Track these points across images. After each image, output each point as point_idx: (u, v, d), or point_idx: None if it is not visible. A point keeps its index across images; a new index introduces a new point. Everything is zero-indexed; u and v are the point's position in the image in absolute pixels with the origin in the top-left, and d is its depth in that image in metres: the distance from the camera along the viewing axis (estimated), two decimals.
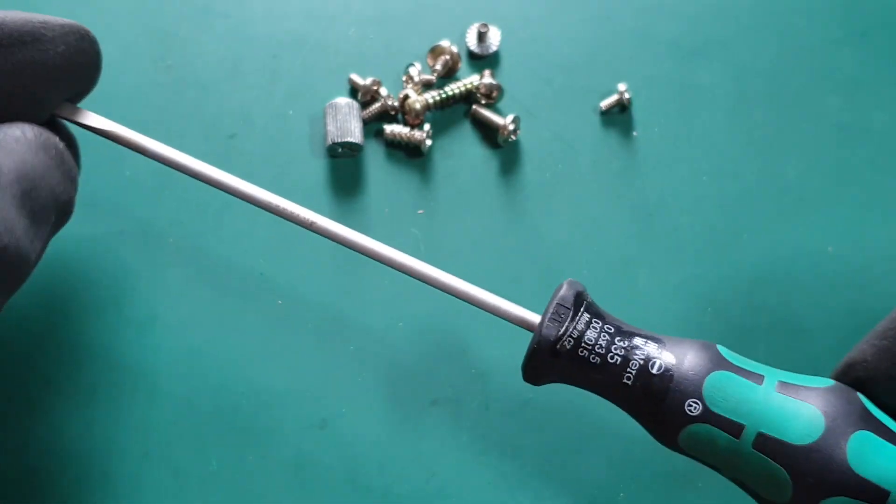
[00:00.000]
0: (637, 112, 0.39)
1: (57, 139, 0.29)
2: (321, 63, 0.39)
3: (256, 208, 0.37)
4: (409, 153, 0.38)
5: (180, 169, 0.31)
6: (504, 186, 0.38)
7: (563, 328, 0.27)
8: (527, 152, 0.38)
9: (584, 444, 0.34)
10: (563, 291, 0.28)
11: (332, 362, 0.35)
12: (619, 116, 0.39)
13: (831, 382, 0.27)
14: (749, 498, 0.33)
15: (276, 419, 0.34)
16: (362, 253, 0.30)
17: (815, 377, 0.28)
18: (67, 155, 0.30)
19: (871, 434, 0.26)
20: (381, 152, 0.38)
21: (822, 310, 0.36)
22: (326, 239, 0.31)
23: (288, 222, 0.36)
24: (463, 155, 0.38)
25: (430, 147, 0.38)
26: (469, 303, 0.30)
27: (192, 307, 0.35)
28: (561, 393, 0.34)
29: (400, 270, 0.30)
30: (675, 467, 0.34)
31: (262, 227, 0.36)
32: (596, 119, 0.39)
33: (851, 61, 0.40)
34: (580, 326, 0.28)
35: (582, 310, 0.28)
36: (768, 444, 0.26)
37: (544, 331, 0.27)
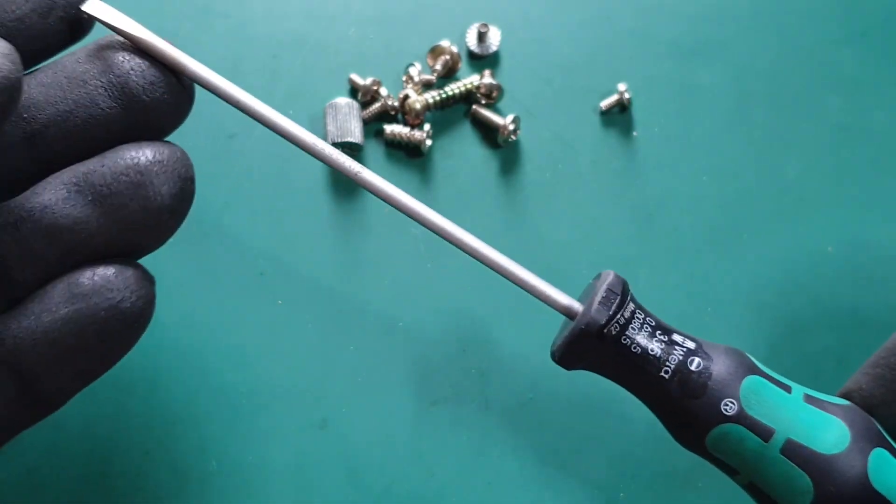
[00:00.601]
0: (637, 112, 0.39)
1: None
2: (321, 63, 0.39)
3: (256, 207, 0.37)
4: (409, 153, 0.38)
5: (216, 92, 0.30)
6: (504, 186, 0.38)
7: (611, 314, 0.27)
8: (527, 152, 0.38)
9: (584, 444, 0.34)
10: (611, 278, 0.28)
11: (332, 362, 0.35)
12: (619, 116, 0.39)
13: (848, 403, 0.28)
14: (747, 499, 0.33)
15: (277, 419, 0.34)
16: (401, 210, 0.30)
17: (836, 398, 0.28)
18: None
19: (888, 453, 0.27)
20: (381, 152, 0.38)
21: (821, 310, 0.36)
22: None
23: (289, 223, 0.37)
24: (463, 155, 0.38)
25: (430, 147, 0.38)
26: (511, 281, 0.29)
27: (192, 307, 0.35)
28: (561, 393, 0.34)
29: (440, 235, 0.30)
30: (676, 467, 0.34)
31: (262, 227, 0.36)
32: (596, 119, 0.39)
33: (851, 61, 0.40)
34: (626, 315, 0.28)
35: (629, 299, 0.28)
36: (796, 451, 0.26)
37: (594, 313, 0.27)
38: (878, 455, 0.27)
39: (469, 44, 0.39)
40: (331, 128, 0.37)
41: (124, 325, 0.27)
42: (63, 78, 0.28)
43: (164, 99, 0.29)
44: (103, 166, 0.28)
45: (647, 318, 0.28)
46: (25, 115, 0.28)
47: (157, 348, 0.34)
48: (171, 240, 0.36)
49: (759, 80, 0.40)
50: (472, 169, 0.38)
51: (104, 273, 0.27)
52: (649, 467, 0.34)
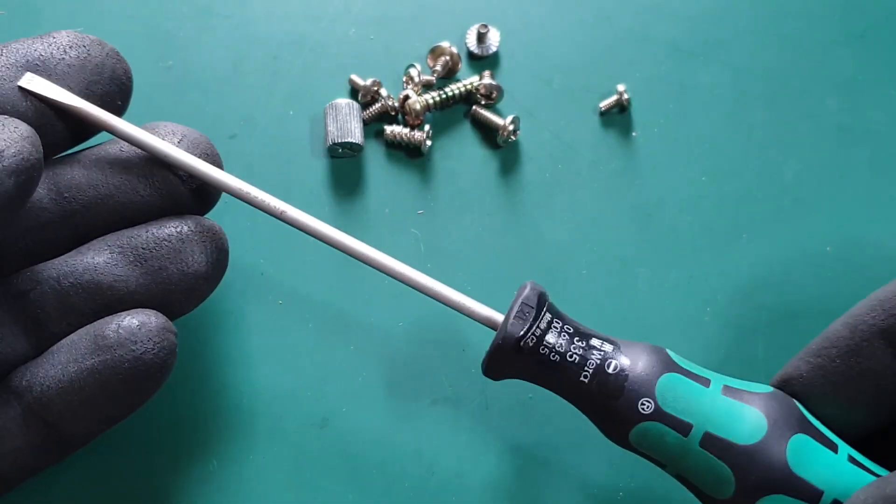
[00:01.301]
0: (636, 113, 0.39)
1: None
2: (322, 64, 0.39)
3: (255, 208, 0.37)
4: (409, 153, 0.38)
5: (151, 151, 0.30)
6: (504, 186, 0.38)
7: (527, 326, 0.29)
8: (526, 153, 0.38)
9: (583, 443, 0.34)
10: (527, 291, 0.29)
11: (332, 362, 0.35)
12: (618, 117, 0.39)
13: (771, 389, 0.29)
14: None
15: (277, 418, 0.34)
16: (331, 245, 0.31)
17: (757, 384, 0.29)
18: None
19: (809, 437, 0.28)
20: (382, 153, 0.38)
21: (820, 310, 0.36)
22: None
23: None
24: (463, 155, 0.38)
25: (430, 147, 0.38)
26: (433, 298, 0.30)
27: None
28: None
29: (363, 262, 0.31)
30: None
31: (262, 227, 0.36)
32: (595, 119, 0.39)
33: (850, 62, 0.40)
34: (542, 325, 0.29)
35: (545, 310, 0.29)
36: (714, 443, 0.27)
37: (510, 328, 0.29)
38: (798, 441, 0.28)
39: (469, 45, 0.39)
40: (331, 128, 0.37)
41: (147, 375, 0.28)
42: (105, 164, 0.30)
43: (200, 190, 0.31)
44: (147, 232, 0.30)
45: (565, 326, 0.29)
46: (66, 195, 0.30)
47: None
48: None
49: (758, 80, 0.40)
50: (472, 169, 0.38)
51: (128, 325, 0.28)
52: (649, 467, 0.34)
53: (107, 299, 0.29)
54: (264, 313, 0.35)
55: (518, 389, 0.35)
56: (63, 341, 0.29)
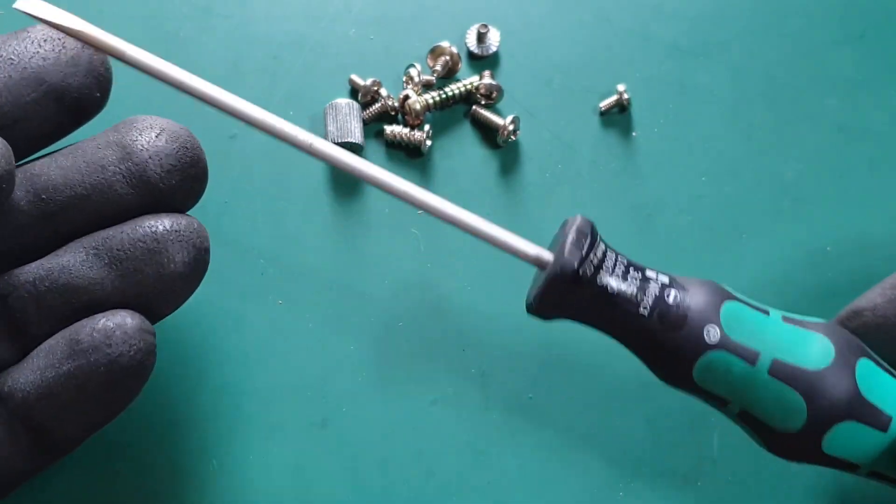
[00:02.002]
0: (636, 113, 0.39)
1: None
2: (321, 64, 0.39)
3: (256, 207, 0.37)
4: (409, 153, 0.38)
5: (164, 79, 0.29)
6: (504, 186, 0.38)
7: (584, 255, 0.26)
8: (526, 153, 0.38)
9: (583, 443, 0.34)
10: (579, 221, 0.27)
11: (332, 362, 0.35)
12: (618, 117, 0.39)
13: (826, 320, 0.28)
14: (747, 499, 0.34)
15: (277, 418, 0.34)
16: (360, 177, 0.29)
17: (811, 317, 0.28)
18: None
19: (873, 363, 0.27)
20: (382, 153, 0.38)
21: (820, 310, 0.36)
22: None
23: (289, 223, 0.37)
24: (463, 155, 0.38)
25: (430, 147, 0.38)
26: (477, 236, 0.28)
27: (193, 307, 0.35)
28: (561, 393, 0.35)
29: (397, 196, 0.29)
30: (676, 467, 0.34)
31: (262, 227, 0.36)
32: (595, 119, 0.39)
33: (850, 62, 0.40)
34: (598, 255, 0.27)
35: (598, 240, 0.27)
36: (784, 370, 0.26)
37: (567, 255, 0.26)
38: (865, 365, 0.27)
39: (469, 44, 0.39)
40: (331, 128, 0.37)
41: (125, 376, 0.28)
42: (82, 163, 0.30)
43: (179, 185, 0.30)
44: (122, 233, 0.29)
45: (619, 258, 0.28)
46: (44, 196, 0.29)
47: (157, 348, 0.34)
48: None
49: (757, 80, 0.40)
50: (471, 169, 0.38)
51: (103, 328, 0.28)
52: (649, 467, 0.34)
53: (83, 302, 0.29)
54: (264, 313, 0.35)
55: (518, 389, 0.35)
56: (41, 346, 0.28)
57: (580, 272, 0.26)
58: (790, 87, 0.40)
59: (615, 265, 0.27)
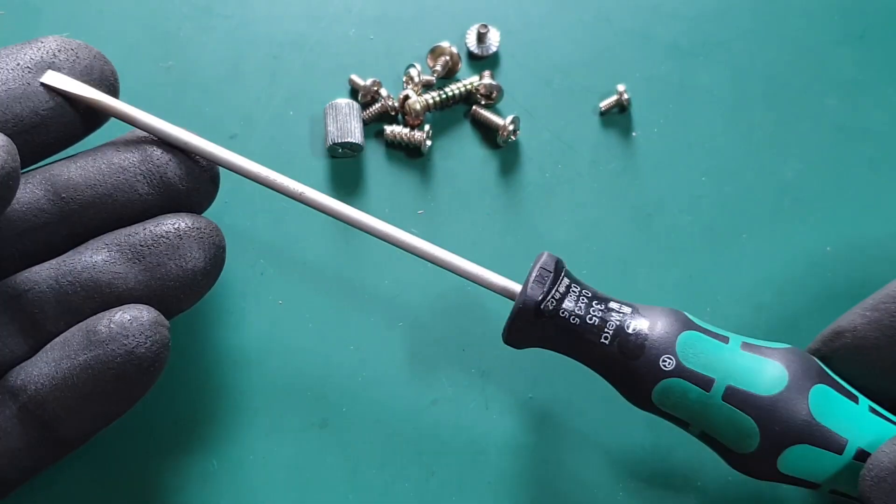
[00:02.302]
0: (636, 113, 0.39)
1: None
2: (322, 64, 0.39)
3: (256, 207, 0.37)
4: (409, 153, 0.38)
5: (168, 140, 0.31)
6: (504, 186, 0.38)
7: (546, 290, 0.29)
8: (526, 153, 0.38)
9: (583, 443, 0.34)
10: (544, 258, 0.30)
11: (332, 362, 0.35)
12: (618, 117, 0.39)
13: (789, 345, 0.30)
14: (747, 498, 0.34)
15: (277, 418, 0.34)
16: (347, 223, 0.31)
17: (774, 342, 0.30)
18: None
19: (829, 388, 0.28)
20: (382, 153, 0.38)
21: (820, 310, 0.36)
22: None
23: (289, 223, 0.37)
24: (463, 155, 0.38)
25: (430, 147, 0.38)
26: (451, 271, 0.31)
27: (193, 307, 0.35)
28: (561, 393, 0.35)
29: (381, 238, 0.31)
30: (676, 467, 0.34)
31: (262, 227, 0.36)
32: (595, 120, 0.39)
33: (850, 62, 0.40)
34: (561, 290, 0.29)
35: (562, 275, 0.30)
36: (737, 396, 0.28)
37: (529, 292, 0.29)
38: (819, 391, 0.28)
39: (469, 45, 0.39)
40: (331, 128, 0.37)
41: (139, 369, 0.28)
42: (103, 163, 0.31)
43: (197, 187, 0.31)
44: (145, 230, 0.30)
45: (584, 291, 0.30)
46: (64, 195, 0.30)
47: None
48: None
49: (757, 80, 0.40)
50: (471, 169, 0.38)
51: (120, 320, 0.28)
52: (649, 467, 0.34)
53: (105, 297, 0.29)
54: (264, 313, 0.35)
55: (518, 389, 0.35)
56: (57, 339, 0.29)
57: (541, 307, 0.29)
58: (790, 87, 0.40)
59: (578, 298, 0.30)
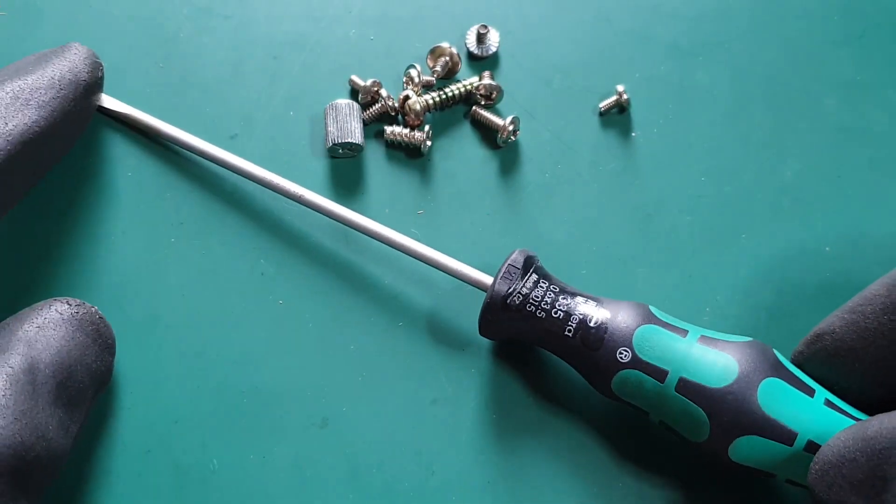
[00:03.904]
0: (636, 113, 0.39)
1: (94, 309, 0.31)
2: (322, 64, 0.39)
3: (256, 208, 0.37)
4: (409, 154, 0.38)
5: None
6: (504, 187, 0.38)
7: (512, 286, 0.31)
8: (526, 153, 0.38)
9: (583, 443, 0.34)
10: (514, 255, 0.32)
11: (332, 361, 0.35)
12: (618, 117, 0.39)
13: (748, 339, 0.31)
14: (746, 498, 0.34)
15: (277, 418, 0.34)
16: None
17: (735, 335, 0.31)
18: (103, 324, 0.31)
19: (781, 381, 0.29)
20: (382, 153, 0.38)
21: (819, 310, 0.36)
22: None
23: (289, 222, 0.37)
24: (463, 156, 0.38)
25: (430, 148, 0.38)
26: (427, 264, 0.34)
27: (193, 307, 0.35)
28: (561, 393, 0.35)
29: (363, 232, 0.34)
30: (675, 467, 0.34)
31: (262, 227, 0.36)
32: (595, 120, 0.39)
33: (849, 63, 0.40)
34: (528, 285, 0.32)
35: (531, 271, 0.32)
36: (689, 388, 0.30)
37: (496, 287, 0.32)
38: (770, 384, 0.29)
39: (469, 45, 0.39)
40: (331, 128, 0.37)
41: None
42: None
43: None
44: None
45: (551, 286, 0.32)
46: None
47: (157, 348, 0.34)
48: (171, 240, 0.36)
49: (757, 81, 0.40)
50: (471, 169, 0.38)
51: None
52: (649, 467, 0.34)
53: None
54: (264, 313, 0.35)
55: (518, 389, 0.35)
56: None
57: (507, 301, 0.31)
58: (790, 87, 0.40)
59: (546, 293, 0.31)
